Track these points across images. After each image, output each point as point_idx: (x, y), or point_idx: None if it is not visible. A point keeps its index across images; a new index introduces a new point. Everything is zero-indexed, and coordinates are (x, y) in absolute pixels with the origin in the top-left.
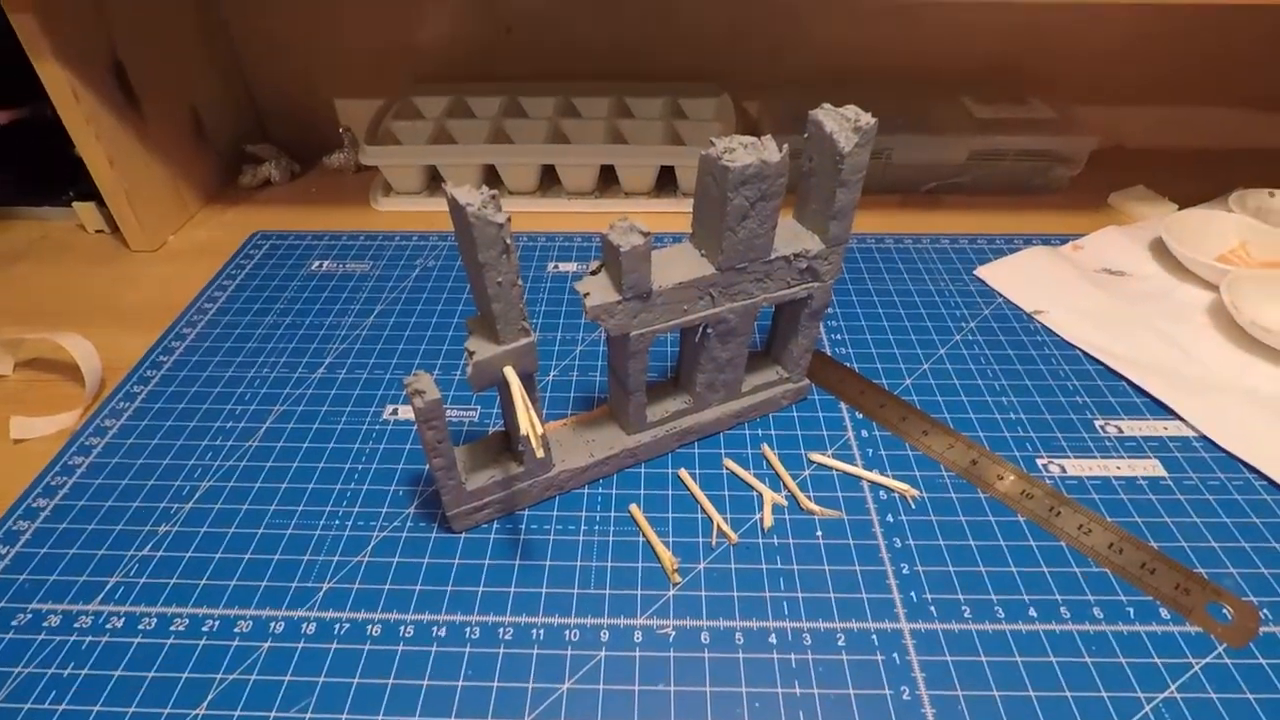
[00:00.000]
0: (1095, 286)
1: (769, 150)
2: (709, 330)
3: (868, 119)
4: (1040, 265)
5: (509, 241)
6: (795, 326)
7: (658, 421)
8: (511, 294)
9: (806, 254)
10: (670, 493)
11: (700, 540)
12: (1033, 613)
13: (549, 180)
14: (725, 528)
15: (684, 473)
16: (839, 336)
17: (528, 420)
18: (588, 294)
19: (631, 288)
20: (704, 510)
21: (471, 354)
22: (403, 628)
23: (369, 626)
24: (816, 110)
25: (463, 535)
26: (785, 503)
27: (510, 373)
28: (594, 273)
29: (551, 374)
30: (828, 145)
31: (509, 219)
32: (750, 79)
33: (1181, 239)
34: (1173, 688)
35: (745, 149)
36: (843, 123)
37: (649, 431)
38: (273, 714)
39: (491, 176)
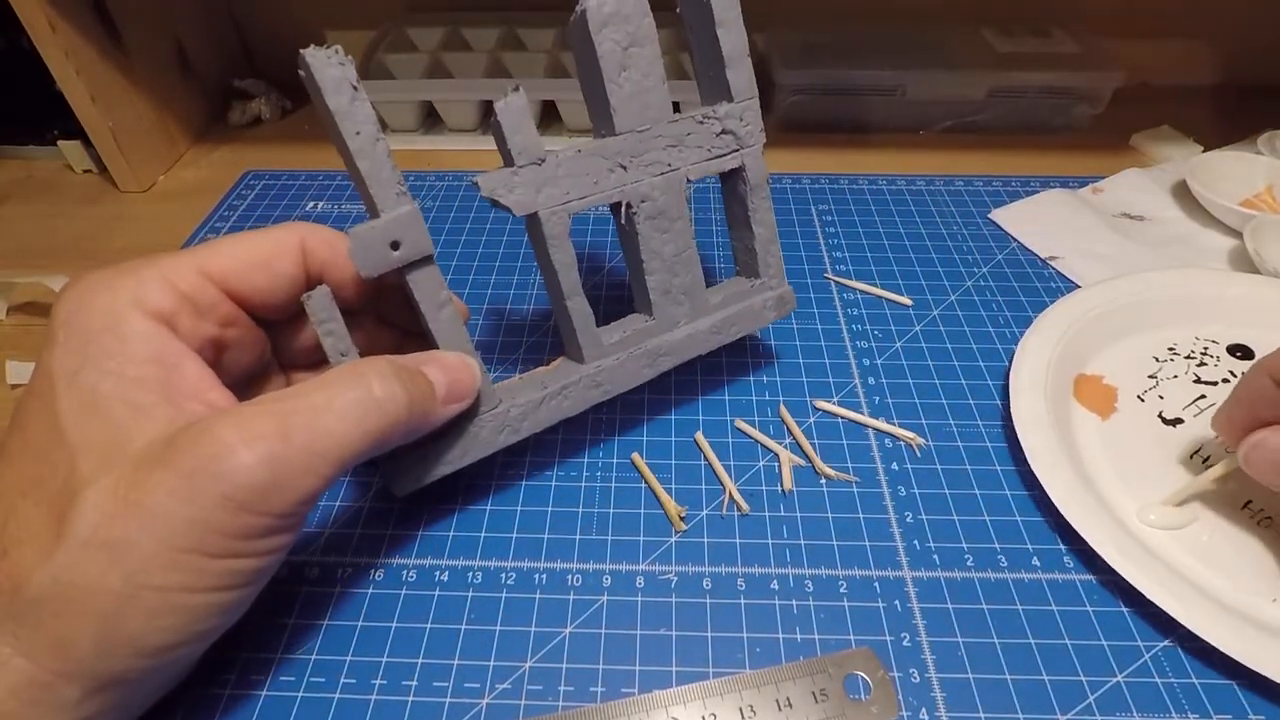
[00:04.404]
0: (1113, 231)
1: None
2: (634, 212)
3: None
4: (1058, 208)
5: (356, 85)
6: (744, 210)
7: (617, 343)
8: (377, 150)
9: (715, 112)
10: (673, 439)
11: (704, 487)
12: (1036, 562)
13: (549, 118)
14: (738, 498)
15: (700, 436)
16: (846, 275)
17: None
18: (476, 181)
19: (522, 151)
20: (718, 478)
21: (350, 232)
22: (405, 572)
23: (372, 571)
24: None
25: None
26: (803, 463)
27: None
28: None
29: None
30: None
31: (351, 62)
32: (758, 8)
33: (1205, 182)
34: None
35: None
36: None
37: (610, 356)
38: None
39: (490, 113)
